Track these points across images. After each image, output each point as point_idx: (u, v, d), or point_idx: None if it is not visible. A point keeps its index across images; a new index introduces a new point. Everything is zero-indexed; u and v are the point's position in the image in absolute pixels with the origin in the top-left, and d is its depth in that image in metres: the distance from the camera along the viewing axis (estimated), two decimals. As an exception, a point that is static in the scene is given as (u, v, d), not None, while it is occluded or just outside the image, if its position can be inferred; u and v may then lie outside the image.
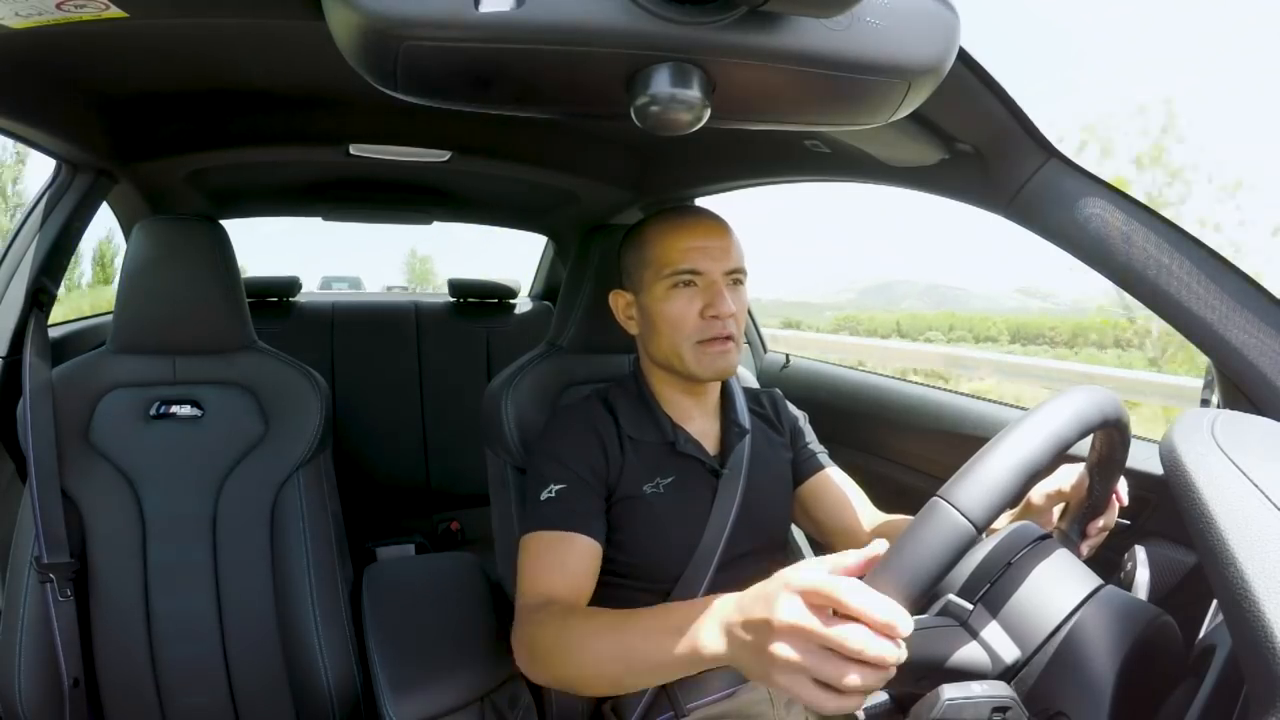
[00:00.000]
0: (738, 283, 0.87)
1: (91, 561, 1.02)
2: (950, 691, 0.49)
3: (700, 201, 1.54)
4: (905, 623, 0.45)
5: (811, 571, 0.50)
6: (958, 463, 0.53)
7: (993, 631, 0.56)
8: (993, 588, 0.58)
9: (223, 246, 1.10)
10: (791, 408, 1.05)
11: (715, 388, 0.96)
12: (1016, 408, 1.26)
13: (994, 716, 0.49)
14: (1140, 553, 0.66)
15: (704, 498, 0.89)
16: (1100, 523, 0.70)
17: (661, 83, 0.50)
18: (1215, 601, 0.59)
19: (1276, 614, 0.39)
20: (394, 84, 0.51)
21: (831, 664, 0.46)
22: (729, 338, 0.85)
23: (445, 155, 1.41)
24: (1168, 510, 0.87)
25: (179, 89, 1.11)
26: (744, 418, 0.96)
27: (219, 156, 1.36)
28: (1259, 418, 0.62)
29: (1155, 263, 0.73)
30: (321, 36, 0.51)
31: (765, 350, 1.93)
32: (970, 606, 0.56)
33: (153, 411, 1.09)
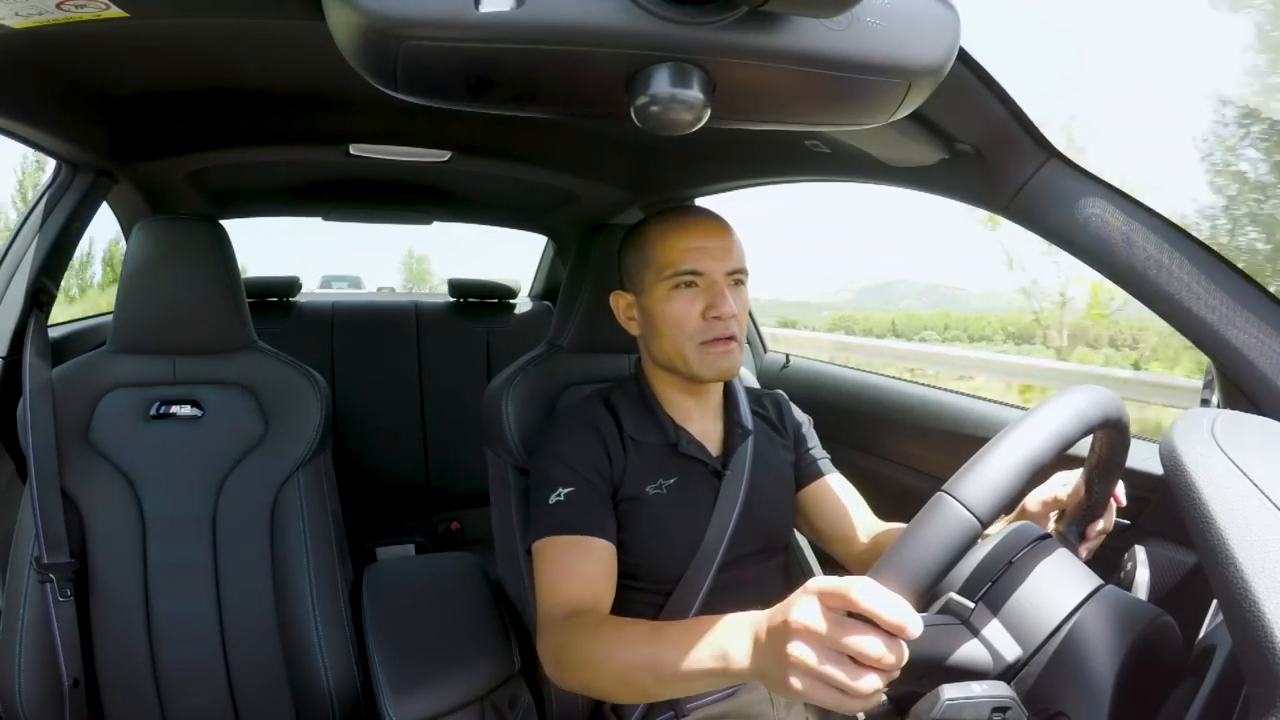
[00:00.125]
0: (739, 283, 0.87)
1: (91, 562, 1.02)
2: (950, 691, 0.49)
3: (700, 201, 1.54)
4: (916, 624, 0.45)
5: (833, 577, 0.50)
6: (958, 463, 0.53)
7: (994, 630, 0.56)
8: (994, 586, 0.58)
9: (223, 246, 1.10)
10: (796, 411, 1.05)
11: (717, 388, 0.96)
12: (1017, 408, 1.26)
13: (994, 716, 0.49)
14: (1140, 553, 0.66)
15: (706, 499, 0.89)
16: (1099, 525, 0.70)
17: (661, 83, 0.50)
18: (1215, 601, 0.59)
19: (1276, 614, 0.39)
20: (394, 84, 0.51)
21: (844, 666, 0.46)
22: (731, 338, 0.85)
23: (445, 155, 1.41)
24: (1168, 510, 0.87)
25: (179, 89, 1.11)
26: (747, 419, 0.95)
27: (219, 156, 1.37)
28: (1259, 418, 0.62)
29: (1155, 263, 0.73)
30: (321, 36, 0.51)
31: (765, 350, 1.93)
32: (971, 605, 0.57)
33: (153, 411, 1.09)
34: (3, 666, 0.96)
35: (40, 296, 1.11)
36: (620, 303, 0.93)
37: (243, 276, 1.16)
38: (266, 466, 1.11)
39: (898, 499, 1.01)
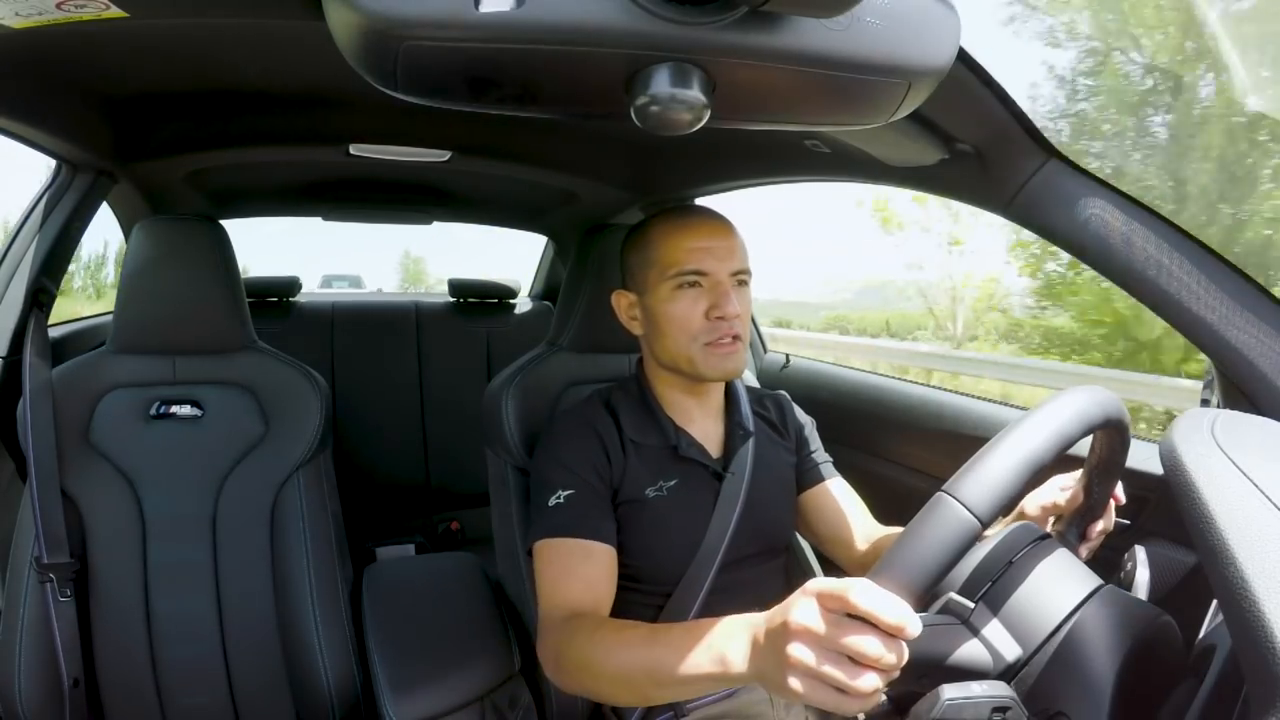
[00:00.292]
0: (743, 283, 0.87)
1: (91, 561, 1.02)
2: (950, 691, 0.49)
3: (701, 201, 1.54)
4: (914, 624, 0.45)
5: (832, 578, 0.50)
6: (958, 463, 0.53)
7: (994, 630, 0.56)
8: (994, 586, 0.58)
9: (223, 246, 1.10)
10: (799, 413, 1.04)
11: (719, 389, 0.96)
12: (1017, 408, 1.26)
13: (994, 716, 0.49)
14: (1140, 553, 0.66)
15: (706, 500, 0.89)
16: (1099, 526, 0.70)
17: (661, 83, 0.50)
18: (1215, 601, 0.59)
19: (1276, 614, 0.39)
20: (394, 84, 0.51)
21: (843, 667, 0.46)
22: (735, 338, 0.85)
23: (445, 155, 1.41)
24: (1168, 510, 0.87)
25: (179, 89, 1.11)
26: (748, 420, 0.95)
27: (219, 156, 1.37)
28: (1259, 418, 0.62)
29: (1155, 263, 0.73)
30: (321, 36, 0.51)
31: (765, 350, 1.93)
32: (972, 605, 0.57)
33: (153, 411, 1.09)
34: (3, 666, 0.96)
35: (40, 296, 1.11)
36: (622, 302, 0.93)
37: (243, 277, 1.16)
38: (266, 466, 1.11)
39: (898, 499, 1.01)
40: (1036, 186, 0.80)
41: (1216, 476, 0.47)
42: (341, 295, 2.53)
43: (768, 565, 0.95)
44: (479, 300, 2.31)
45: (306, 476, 1.12)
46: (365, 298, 2.56)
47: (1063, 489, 0.74)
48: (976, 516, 0.49)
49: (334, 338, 2.12)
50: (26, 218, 1.16)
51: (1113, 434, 0.62)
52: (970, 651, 0.55)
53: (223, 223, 1.13)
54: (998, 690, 0.50)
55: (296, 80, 1.10)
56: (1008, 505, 0.52)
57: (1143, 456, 0.89)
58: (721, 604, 0.84)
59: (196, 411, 1.11)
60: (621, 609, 0.83)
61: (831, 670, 0.46)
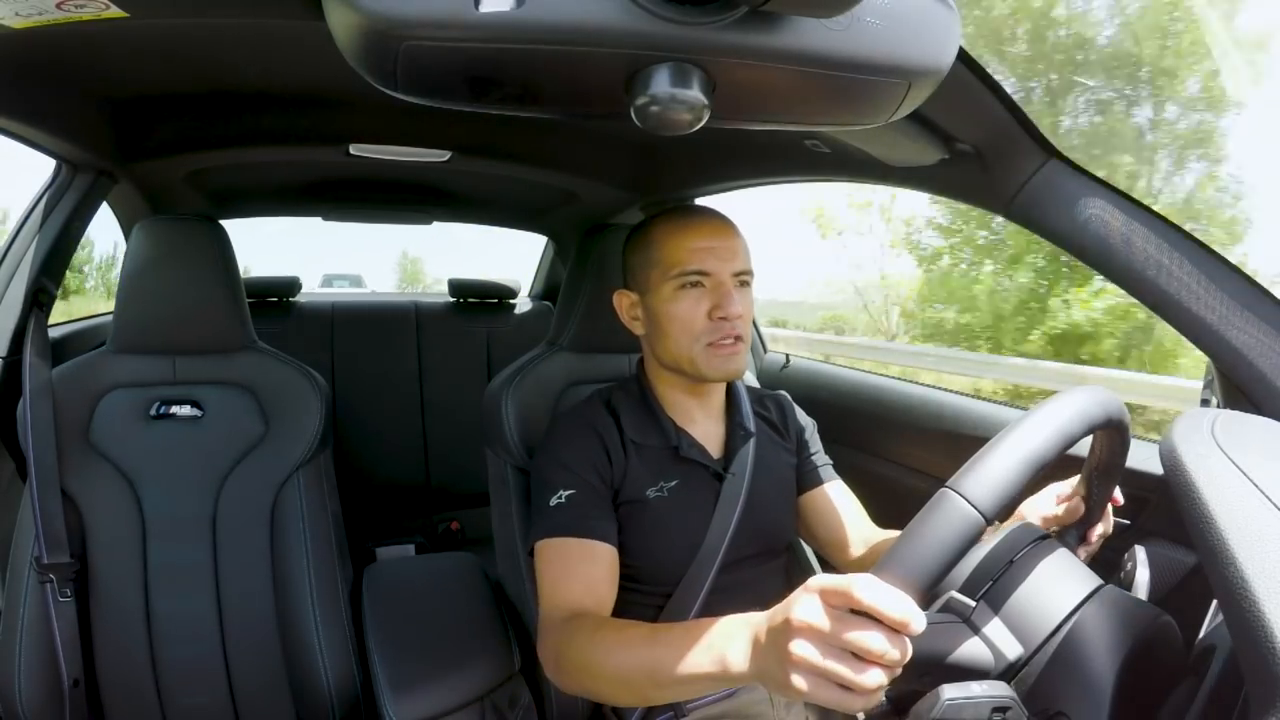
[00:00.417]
0: (745, 284, 0.87)
1: (91, 562, 1.02)
2: (950, 691, 0.49)
3: (701, 201, 1.54)
4: (919, 620, 0.45)
5: (834, 575, 0.50)
6: (957, 464, 0.53)
7: (995, 628, 0.56)
8: (995, 585, 0.58)
9: (223, 246, 1.10)
10: (800, 415, 1.04)
11: (720, 389, 0.96)
12: (1017, 408, 1.26)
13: (994, 716, 0.49)
14: (1140, 553, 0.66)
15: (707, 501, 0.89)
16: (1099, 529, 0.70)
17: (661, 83, 0.50)
18: (1215, 601, 0.59)
19: (1276, 614, 0.39)
20: (394, 84, 0.51)
21: (847, 663, 0.46)
22: (738, 338, 0.85)
23: (445, 155, 1.41)
24: (1168, 510, 0.87)
25: (179, 89, 1.11)
26: (749, 420, 0.95)
27: (219, 156, 1.36)
28: (1259, 418, 0.62)
29: (1155, 263, 0.73)
30: (321, 36, 0.51)
31: (765, 350, 1.93)
32: (973, 603, 0.57)
33: (153, 411, 1.09)
34: (3, 666, 0.96)
35: (40, 296, 1.11)
36: (624, 302, 0.93)
37: (243, 277, 1.16)
38: (266, 466, 1.11)
39: (898, 499, 1.01)
40: (1036, 187, 0.80)
41: (1216, 476, 0.47)
42: (341, 295, 2.53)
43: (768, 566, 0.95)
44: (479, 300, 2.31)
45: (306, 476, 1.12)
46: (365, 298, 2.56)
47: (1059, 499, 0.74)
48: (981, 513, 0.49)
49: (334, 338, 2.12)
50: (26, 218, 1.16)
51: (1113, 434, 0.62)
52: (972, 650, 0.55)
53: (223, 223, 1.13)
54: (998, 690, 0.50)
55: (296, 80, 1.10)
56: (1009, 505, 0.52)
57: (1143, 456, 0.89)
58: (722, 604, 0.84)
59: (196, 411, 1.11)
60: (622, 609, 0.83)
61: (836, 666, 0.46)
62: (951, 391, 1.40)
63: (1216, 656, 0.49)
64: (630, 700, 0.70)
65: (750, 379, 1.17)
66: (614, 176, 1.57)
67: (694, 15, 0.47)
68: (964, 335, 8.67)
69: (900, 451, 1.36)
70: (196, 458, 1.09)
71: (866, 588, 0.46)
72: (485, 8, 0.44)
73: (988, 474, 0.51)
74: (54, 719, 0.97)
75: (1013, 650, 0.55)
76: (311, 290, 2.39)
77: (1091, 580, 0.59)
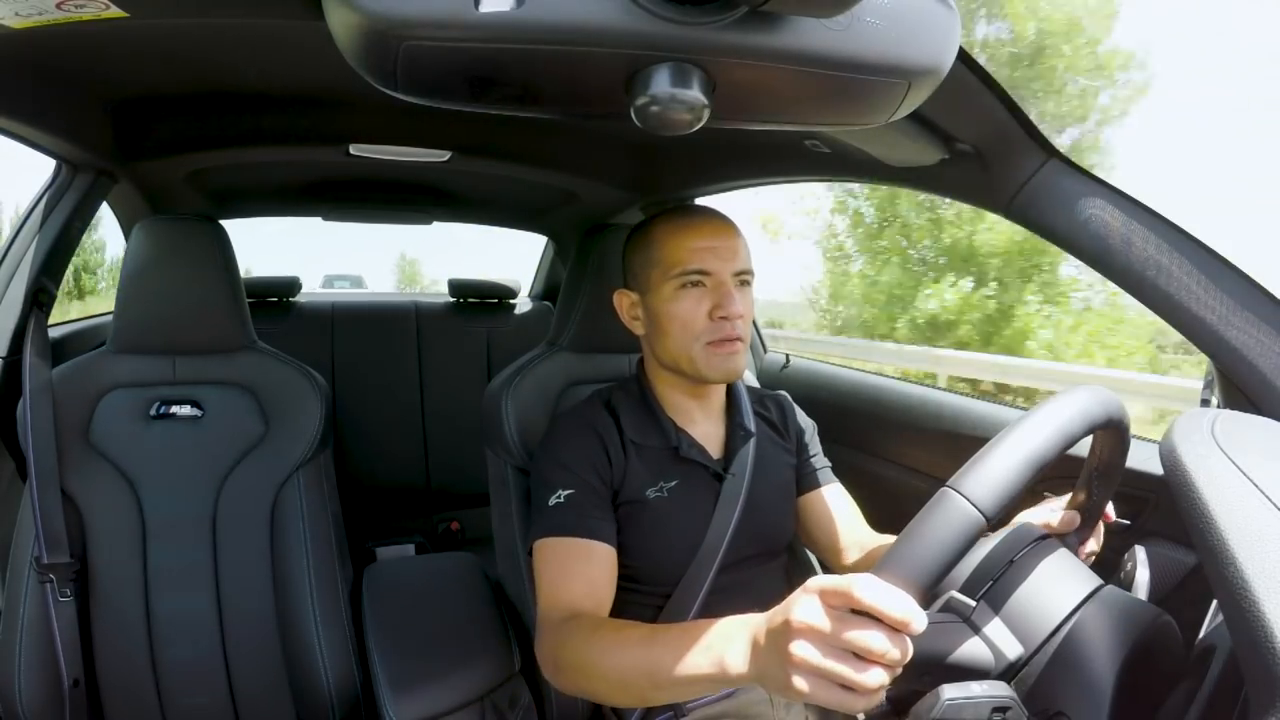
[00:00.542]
0: (745, 284, 0.87)
1: (91, 562, 1.02)
2: (950, 691, 0.49)
3: (701, 201, 1.54)
4: (919, 619, 0.45)
5: (833, 576, 0.50)
6: (957, 464, 0.53)
7: (996, 628, 0.56)
8: (995, 585, 0.58)
9: (223, 246, 1.10)
10: (800, 416, 1.04)
11: (720, 390, 0.96)
12: (1017, 408, 1.26)
13: (994, 716, 0.49)
14: (1140, 553, 0.66)
15: (707, 501, 0.89)
16: (1090, 545, 0.70)
17: (661, 83, 0.50)
18: (1215, 601, 0.59)
19: (1276, 614, 0.39)
20: (394, 84, 0.51)
21: (848, 663, 0.46)
22: (738, 339, 0.85)
23: (445, 155, 1.41)
24: (1168, 510, 0.87)
25: (179, 89, 1.11)
26: (749, 421, 0.95)
27: (219, 156, 1.36)
28: (1259, 418, 0.62)
29: (1155, 263, 0.73)
30: (321, 36, 0.51)
31: (765, 350, 1.93)
32: (973, 603, 0.57)
33: (153, 411, 1.09)
34: (3, 667, 0.96)
35: (40, 296, 1.11)
36: (624, 301, 0.93)
37: (243, 277, 1.16)
38: (266, 466, 1.11)
39: (897, 500, 1.01)
40: (1036, 186, 0.80)
41: (1216, 476, 0.47)
42: (341, 295, 2.53)
43: (768, 566, 0.95)
44: (479, 300, 2.31)
45: (306, 476, 1.12)
46: (365, 297, 2.56)
47: (1052, 510, 0.74)
48: (981, 512, 0.49)
49: (334, 338, 2.12)
50: (26, 218, 1.16)
51: (1113, 434, 0.62)
52: (972, 650, 0.55)
53: (223, 223, 1.13)
54: (998, 690, 0.50)
55: (296, 80, 1.10)
56: (1010, 505, 0.52)
57: (1143, 456, 0.89)
58: (721, 605, 0.84)
59: (196, 411, 1.11)
60: (621, 609, 0.83)
61: (836, 667, 0.46)
62: (952, 392, 1.40)
63: (1216, 656, 0.49)
64: (628, 701, 0.70)
65: (750, 379, 1.17)
66: (614, 176, 1.57)
67: (694, 15, 0.47)
68: (858, 327, 10.25)
69: (900, 452, 1.36)
70: (196, 458, 1.09)
71: (866, 587, 0.46)
72: (485, 8, 0.44)
73: (989, 473, 0.51)
74: (54, 719, 0.97)
75: (1013, 650, 0.55)
76: (312, 291, 2.39)
77: (1091, 580, 0.59)
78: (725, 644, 0.56)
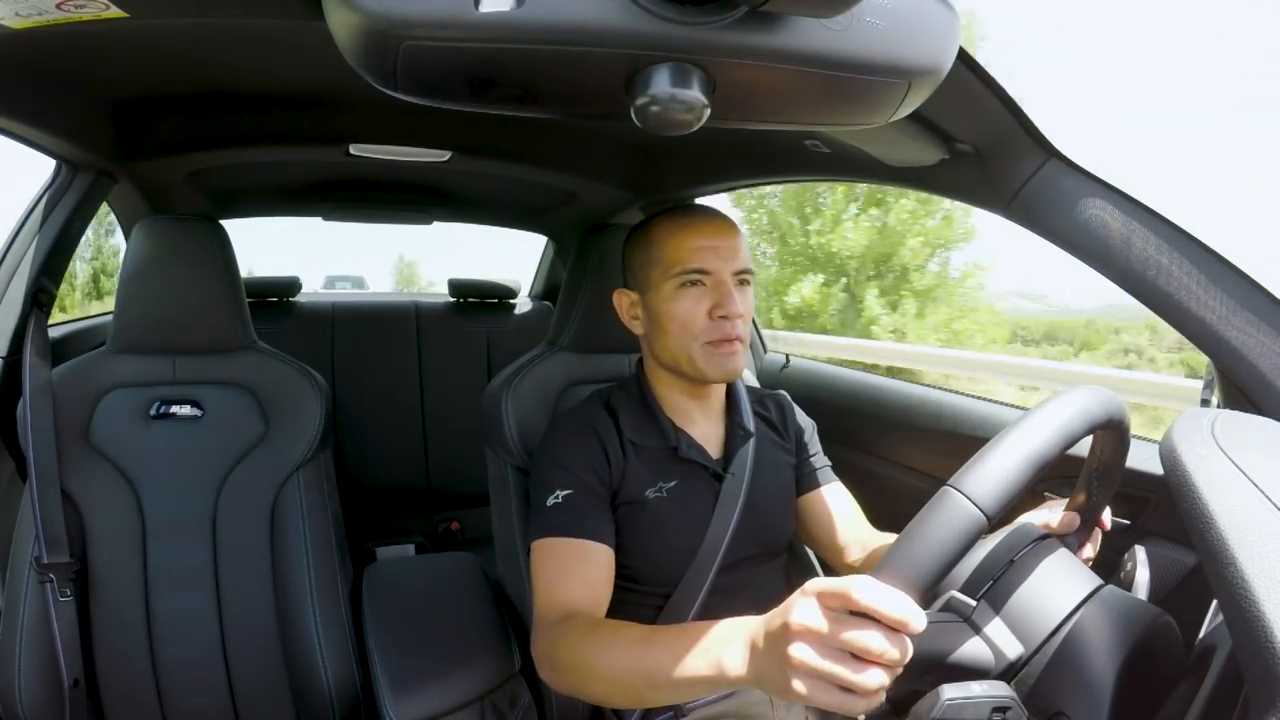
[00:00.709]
0: (745, 283, 0.87)
1: (91, 562, 1.02)
2: (950, 691, 0.49)
3: (702, 201, 1.54)
4: (919, 618, 0.45)
5: (831, 578, 0.49)
6: (957, 464, 0.53)
7: (996, 628, 0.56)
8: (995, 584, 0.58)
9: (223, 246, 1.10)
10: (800, 415, 1.04)
11: (720, 389, 0.95)
12: (1016, 408, 1.26)
13: (994, 716, 0.49)
14: (1140, 553, 0.66)
15: (706, 501, 0.89)
16: (1086, 551, 0.70)
17: (661, 83, 0.50)
18: (1215, 601, 0.59)
19: (1276, 614, 0.39)
20: (394, 84, 0.51)
21: (847, 664, 0.46)
22: (737, 338, 0.85)
23: (445, 155, 1.41)
24: (1168, 510, 0.87)
25: (179, 89, 1.11)
26: (749, 420, 0.95)
27: (219, 156, 1.36)
28: (1259, 418, 0.62)
29: (1155, 263, 0.73)
30: (321, 36, 0.51)
31: (765, 350, 1.93)
32: (974, 602, 0.57)
33: (153, 411, 1.09)
34: (3, 667, 0.96)
35: (40, 296, 1.11)
36: (624, 301, 0.93)
37: (243, 277, 1.16)
38: (266, 466, 1.11)
39: (897, 499, 1.01)
40: (1036, 186, 0.80)
41: (1216, 476, 0.47)
42: (342, 295, 2.53)
43: (767, 566, 0.95)
44: (479, 300, 2.31)
45: (306, 476, 1.12)
46: (365, 298, 2.56)
47: (1052, 511, 0.73)
48: (983, 511, 0.49)
49: (334, 338, 2.12)
50: (26, 218, 1.16)
51: (1114, 434, 0.62)
52: (972, 649, 0.55)
53: (223, 223, 1.13)
54: (998, 690, 0.50)
55: (296, 80, 1.10)
56: (1011, 504, 0.52)
57: (1143, 456, 0.89)
58: (721, 605, 0.84)
59: (196, 411, 1.11)
60: (620, 610, 0.83)
61: (835, 668, 0.46)
62: (952, 392, 1.40)
63: (1216, 656, 0.49)
64: (625, 702, 0.70)
65: (750, 379, 1.17)
66: (614, 176, 1.57)
67: (694, 15, 0.47)
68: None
69: (900, 451, 1.36)
70: (196, 458, 1.09)
71: (864, 588, 0.46)
72: (485, 8, 0.44)
73: (989, 472, 0.51)
74: (54, 719, 0.97)
75: (1013, 650, 0.55)
76: (313, 291, 2.39)
77: (1091, 580, 0.59)
78: (723, 646, 0.56)
